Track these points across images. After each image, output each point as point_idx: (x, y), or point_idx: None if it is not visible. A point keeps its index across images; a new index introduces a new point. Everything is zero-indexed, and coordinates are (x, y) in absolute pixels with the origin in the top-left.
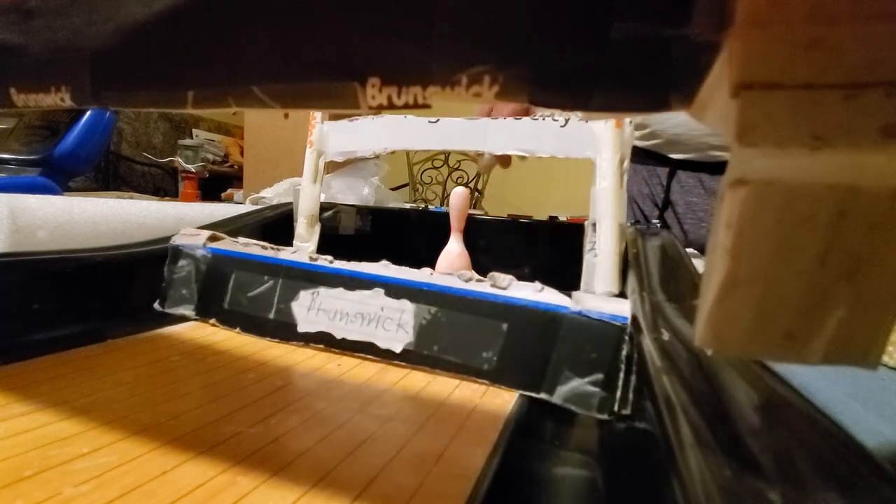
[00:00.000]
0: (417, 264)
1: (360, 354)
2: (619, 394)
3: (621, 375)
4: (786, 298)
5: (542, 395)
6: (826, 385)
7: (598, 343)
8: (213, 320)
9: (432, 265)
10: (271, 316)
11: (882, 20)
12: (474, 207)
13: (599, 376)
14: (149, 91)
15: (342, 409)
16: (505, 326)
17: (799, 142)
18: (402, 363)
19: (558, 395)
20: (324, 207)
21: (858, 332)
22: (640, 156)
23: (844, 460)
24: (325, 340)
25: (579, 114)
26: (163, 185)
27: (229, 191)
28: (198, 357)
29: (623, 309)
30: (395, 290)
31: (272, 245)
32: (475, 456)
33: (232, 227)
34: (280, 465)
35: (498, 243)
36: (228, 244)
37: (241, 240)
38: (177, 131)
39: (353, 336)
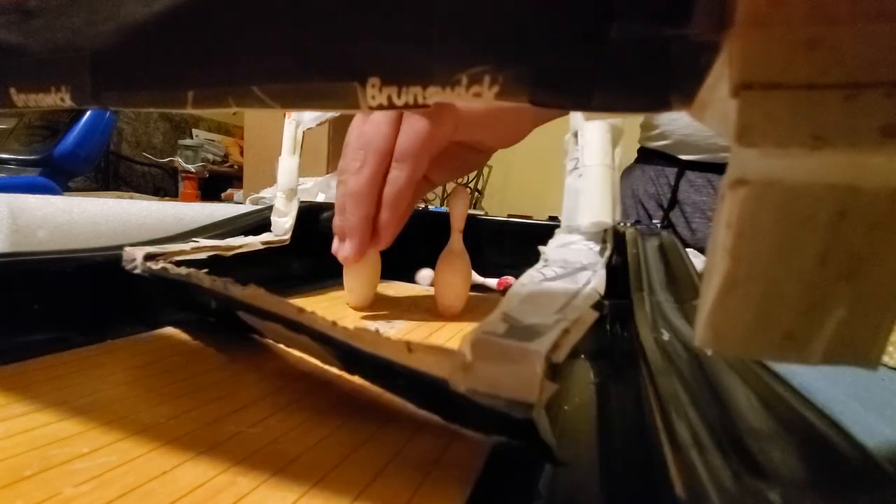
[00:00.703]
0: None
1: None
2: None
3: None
4: (786, 298)
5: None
6: (826, 385)
7: (506, 424)
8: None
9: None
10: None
11: (882, 20)
12: (474, 207)
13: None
14: (149, 91)
15: (342, 409)
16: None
17: (799, 142)
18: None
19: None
20: (324, 207)
21: (858, 332)
22: (649, 156)
23: (844, 460)
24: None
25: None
26: (163, 185)
27: (229, 191)
28: (198, 357)
29: (528, 382)
30: (289, 326)
31: (211, 252)
32: (475, 456)
33: (231, 227)
34: (280, 465)
35: (498, 243)
36: (160, 266)
37: (179, 256)
38: (177, 131)
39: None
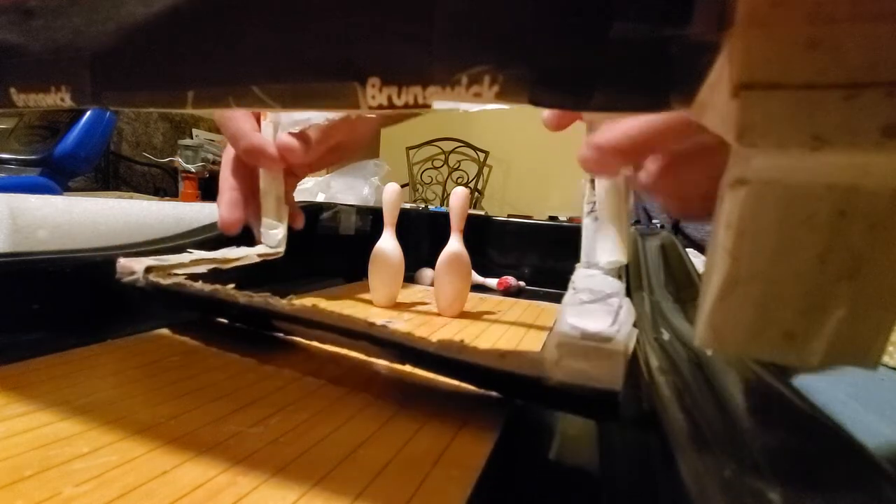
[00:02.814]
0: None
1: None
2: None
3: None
4: (786, 298)
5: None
6: (826, 385)
7: (587, 411)
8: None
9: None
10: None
11: (882, 20)
12: (474, 207)
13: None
14: (149, 91)
15: (342, 408)
16: (473, 387)
17: (799, 142)
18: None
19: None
20: (324, 207)
21: (858, 332)
22: None
23: (844, 460)
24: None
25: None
26: (163, 185)
27: None
28: (198, 357)
29: (615, 375)
30: (348, 335)
31: (210, 265)
32: (475, 456)
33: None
34: (280, 465)
35: (498, 243)
36: (162, 278)
37: (179, 269)
38: (177, 131)
39: (344, 349)
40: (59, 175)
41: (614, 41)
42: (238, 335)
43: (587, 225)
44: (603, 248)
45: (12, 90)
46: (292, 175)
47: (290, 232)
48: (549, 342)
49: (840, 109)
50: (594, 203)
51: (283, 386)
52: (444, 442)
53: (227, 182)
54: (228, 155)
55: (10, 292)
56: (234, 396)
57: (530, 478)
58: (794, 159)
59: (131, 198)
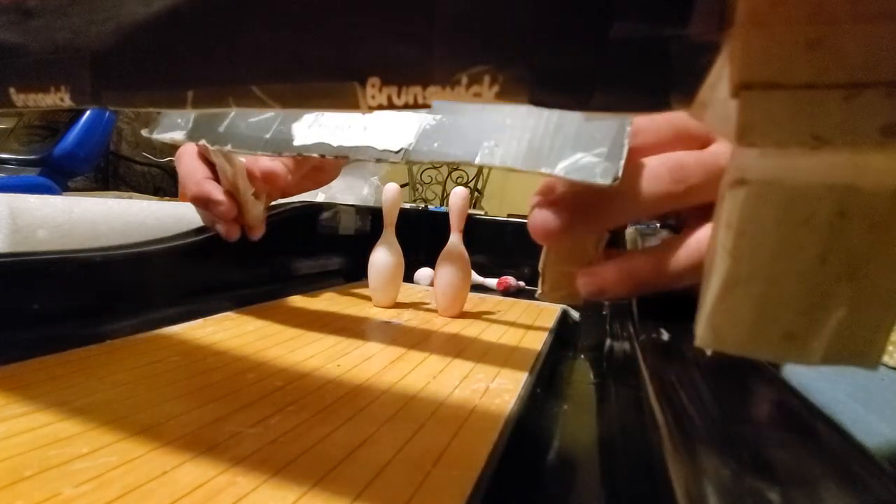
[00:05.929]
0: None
1: (359, 160)
2: (621, 163)
3: (625, 144)
4: (786, 298)
5: (544, 170)
6: (826, 385)
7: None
8: (202, 142)
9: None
10: (268, 136)
11: (882, 20)
12: (474, 207)
13: (603, 150)
14: (149, 91)
15: (342, 409)
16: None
17: (799, 142)
18: (399, 161)
19: (561, 169)
20: (324, 207)
21: (858, 332)
22: None
23: (844, 460)
24: (321, 150)
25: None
26: (163, 185)
27: None
28: (198, 357)
29: None
30: None
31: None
32: (475, 456)
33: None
34: (280, 465)
35: (498, 243)
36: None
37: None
38: None
39: (349, 142)
40: (58, 175)
41: (614, 41)
42: (237, 335)
43: None
44: None
45: (12, 90)
46: (277, 191)
47: (291, 232)
48: None
49: (840, 109)
50: None
51: (283, 386)
52: (444, 442)
53: (205, 192)
54: (187, 158)
55: (10, 292)
56: (234, 396)
57: (530, 478)
58: (794, 159)
59: (131, 198)
